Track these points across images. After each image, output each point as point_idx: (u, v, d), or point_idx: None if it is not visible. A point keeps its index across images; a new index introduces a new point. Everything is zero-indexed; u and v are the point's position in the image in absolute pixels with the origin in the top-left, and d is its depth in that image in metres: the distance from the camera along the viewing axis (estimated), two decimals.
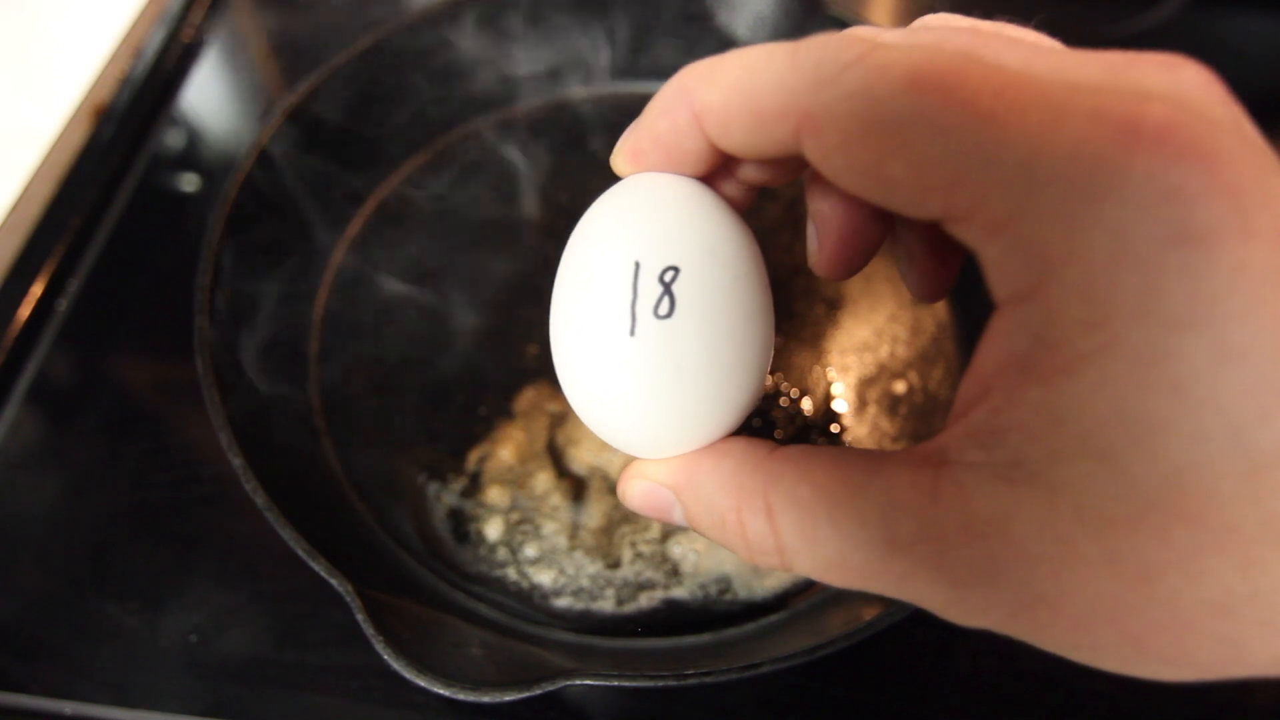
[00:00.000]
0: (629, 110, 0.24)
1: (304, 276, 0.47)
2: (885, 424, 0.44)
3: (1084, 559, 0.16)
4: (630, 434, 0.23)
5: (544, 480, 0.41)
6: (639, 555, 0.40)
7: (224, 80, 0.60)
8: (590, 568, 0.39)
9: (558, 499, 0.41)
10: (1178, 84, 0.16)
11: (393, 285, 0.48)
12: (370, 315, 0.47)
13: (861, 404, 0.44)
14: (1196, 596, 0.16)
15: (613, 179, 0.24)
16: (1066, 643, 0.17)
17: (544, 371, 0.45)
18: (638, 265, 0.22)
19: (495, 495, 0.41)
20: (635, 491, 0.24)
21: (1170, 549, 0.15)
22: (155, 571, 0.41)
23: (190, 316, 0.38)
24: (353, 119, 0.49)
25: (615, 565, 0.39)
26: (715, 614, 0.39)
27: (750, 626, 0.38)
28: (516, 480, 0.42)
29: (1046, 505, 0.16)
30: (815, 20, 0.50)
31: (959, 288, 0.48)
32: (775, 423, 0.43)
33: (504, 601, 0.39)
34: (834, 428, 0.43)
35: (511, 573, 0.39)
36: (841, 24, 0.49)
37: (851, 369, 0.45)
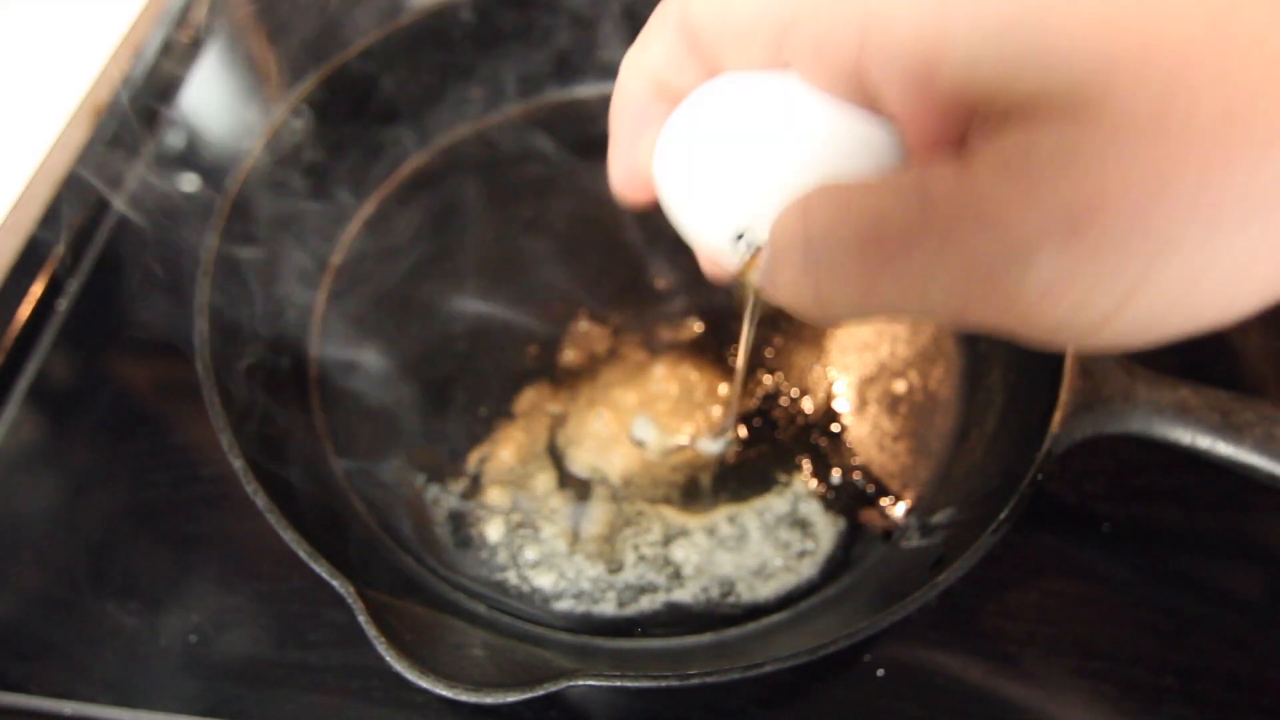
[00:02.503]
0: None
1: (304, 277, 0.47)
2: (886, 423, 0.43)
3: None
4: None
5: (544, 481, 0.41)
6: (641, 558, 0.40)
7: (224, 80, 0.60)
8: (591, 571, 0.39)
9: (558, 501, 0.41)
10: None
11: (393, 286, 0.48)
12: (370, 315, 0.47)
13: (862, 403, 0.44)
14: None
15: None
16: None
17: (544, 371, 0.45)
18: None
19: (496, 496, 0.41)
20: None
21: None
22: (155, 571, 0.41)
23: (190, 316, 0.38)
24: (354, 115, 0.49)
25: (617, 569, 0.39)
26: (717, 616, 0.39)
27: (752, 627, 0.38)
28: (517, 481, 0.41)
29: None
30: None
31: None
32: (776, 423, 0.43)
33: (505, 603, 0.39)
34: (834, 426, 0.43)
35: (512, 576, 0.39)
36: None
37: (852, 368, 0.45)
